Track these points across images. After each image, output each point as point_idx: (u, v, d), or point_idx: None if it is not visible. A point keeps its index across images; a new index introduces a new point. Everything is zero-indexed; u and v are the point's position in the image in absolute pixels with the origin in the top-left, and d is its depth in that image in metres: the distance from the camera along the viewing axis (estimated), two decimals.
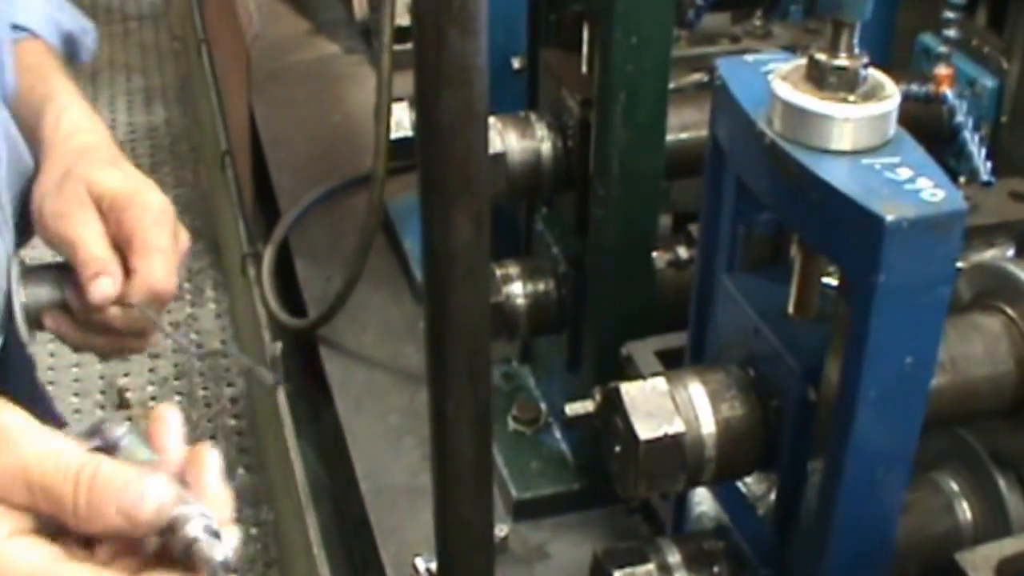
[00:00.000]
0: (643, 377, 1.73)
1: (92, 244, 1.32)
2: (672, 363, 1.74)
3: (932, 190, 1.05)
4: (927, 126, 1.74)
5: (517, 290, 1.89)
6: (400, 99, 2.08)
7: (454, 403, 1.44)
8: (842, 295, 1.12)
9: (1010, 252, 1.57)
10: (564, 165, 1.79)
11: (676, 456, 1.26)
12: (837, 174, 1.07)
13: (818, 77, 1.11)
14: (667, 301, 1.85)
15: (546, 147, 1.78)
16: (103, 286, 1.32)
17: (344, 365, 2.22)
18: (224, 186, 2.83)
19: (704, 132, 1.86)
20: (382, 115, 2.01)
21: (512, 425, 2.08)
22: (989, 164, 1.56)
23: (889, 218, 1.02)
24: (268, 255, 2.45)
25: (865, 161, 1.09)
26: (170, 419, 0.97)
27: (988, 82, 1.82)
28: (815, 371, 1.19)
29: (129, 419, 1.02)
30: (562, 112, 1.78)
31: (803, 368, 1.20)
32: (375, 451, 2.04)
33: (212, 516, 0.89)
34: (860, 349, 1.09)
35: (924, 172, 1.07)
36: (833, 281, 1.25)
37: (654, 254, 1.72)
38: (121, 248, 1.34)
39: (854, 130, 1.09)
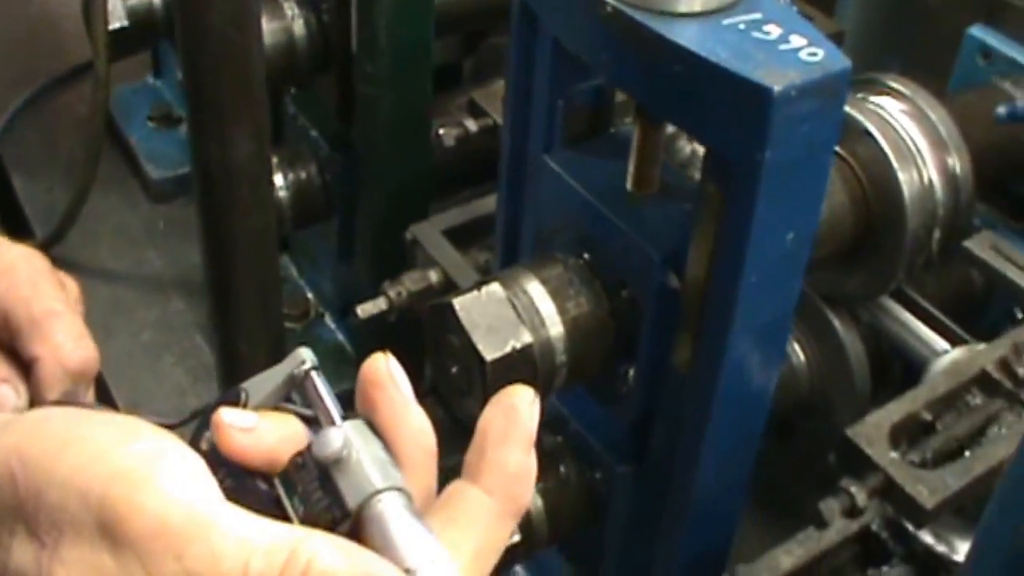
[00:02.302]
0: (434, 261, 1.56)
1: None
2: (461, 241, 1.57)
3: (810, 49, 0.87)
4: None
5: (278, 181, 1.65)
6: None
7: (248, 342, 1.23)
8: (711, 172, 0.95)
9: None
10: (322, 43, 1.54)
11: (527, 370, 1.07)
12: (702, 41, 0.87)
13: None
14: (443, 173, 1.66)
15: (299, 26, 1.52)
16: (6, 400, 0.88)
17: (84, 284, 1.92)
18: None
19: None
20: (96, 6, 1.69)
21: None
22: None
23: (776, 88, 0.84)
24: None
25: (727, 22, 0.90)
26: (399, 386, 0.63)
27: None
28: (675, 256, 1.02)
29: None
30: None
31: (662, 254, 1.03)
32: (134, 376, 1.78)
33: None
34: (742, 232, 0.92)
35: (795, 28, 0.89)
36: None
37: (441, 130, 1.51)
38: (6, 339, 0.91)
39: None
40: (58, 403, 0.83)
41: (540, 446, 1.25)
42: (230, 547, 0.53)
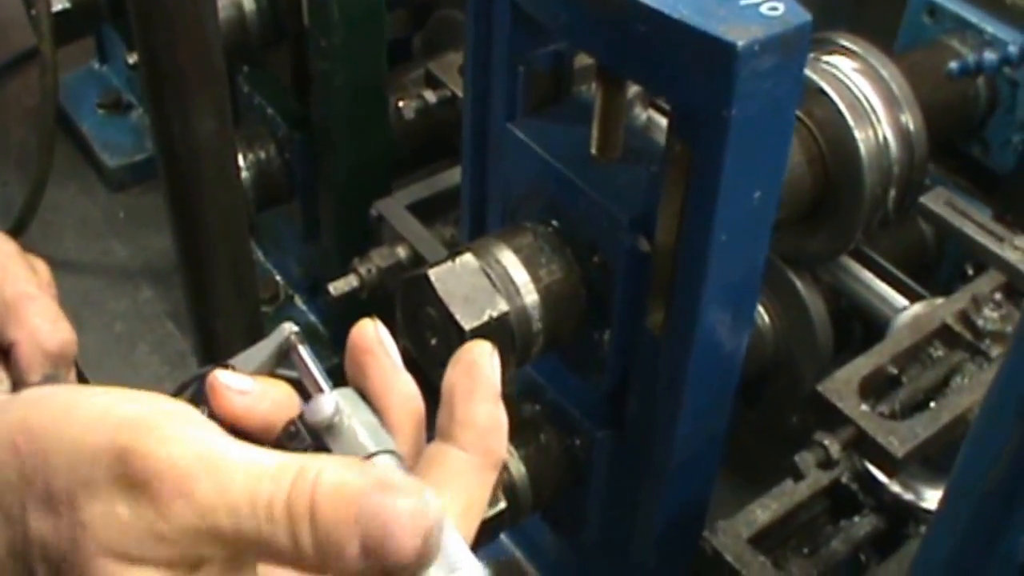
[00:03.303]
0: (401, 237, 1.55)
1: None
2: (426, 216, 1.56)
3: (770, 3, 0.88)
4: None
5: (238, 163, 1.63)
6: None
7: (224, 321, 1.22)
8: (677, 132, 0.95)
9: None
10: (272, 18, 1.52)
11: (505, 338, 1.07)
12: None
13: None
14: (404, 147, 1.65)
15: (249, 0, 1.51)
16: None
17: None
18: None
19: None
20: None
21: None
22: None
23: (740, 44, 0.84)
24: None
25: None
26: (388, 351, 0.63)
27: None
28: (644, 219, 1.02)
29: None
30: None
31: (630, 218, 1.03)
32: (110, 367, 1.77)
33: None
34: (710, 191, 0.92)
35: None
36: None
37: (400, 103, 1.50)
38: None
39: None
40: (41, 385, 0.82)
41: (519, 415, 1.26)
42: (237, 478, 0.53)
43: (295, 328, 0.65)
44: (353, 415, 0.60)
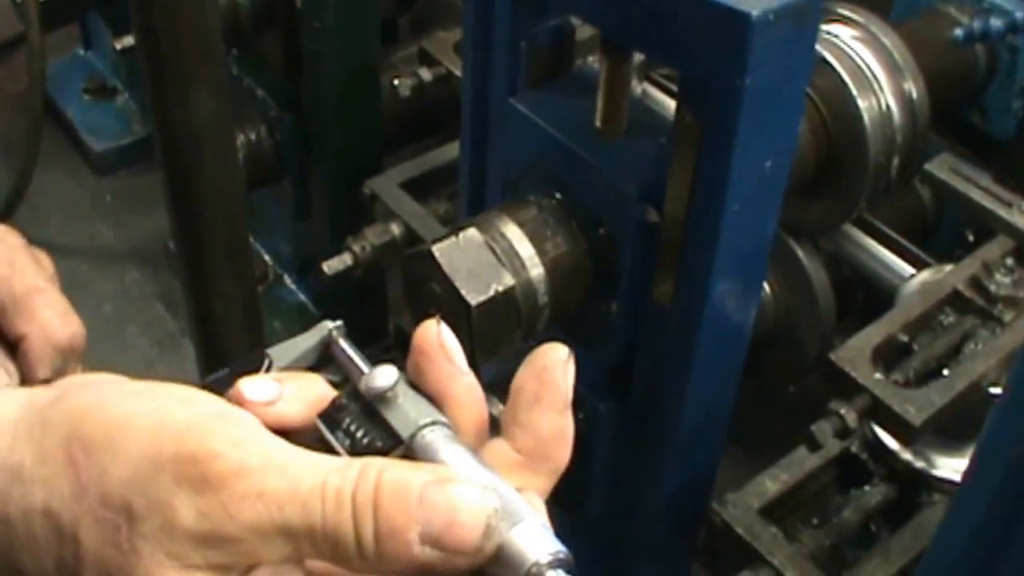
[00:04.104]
0: (396, 215, 1.54)
1: None
2: (419, 193, 1.55)
3: None
4: None
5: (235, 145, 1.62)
6: None
7: (222, 302, 1.20)
8: (687, 103, 0.93)
9: None
10: (264, 1, 1.51)
11: (511, 313, 1.06)
12: None
13: None
14: (398, 125, 1.64)
15: None
16: None
17: None
18: None
19: None
20: None
21: None
22: None
23: (754, 13, 0.83)
24: None
25: None
26: (450, 355, 0.61)
27: None
28: (652, 191, 1.01)
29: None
30: None
31: (639, 189, 1.02)
32: (99, 350, 1.74)
33: (549, 530, 0.56)
34: (723, 161, 0.91)
35: None
36: None
37: (396, 81, 1.48)
38: None
39: None
40: (48, 381, 0.81)
41: None
42: (306, 474, 0.53)
43: (338, 323, 0.64)
44: (408, 392, 0.59)
